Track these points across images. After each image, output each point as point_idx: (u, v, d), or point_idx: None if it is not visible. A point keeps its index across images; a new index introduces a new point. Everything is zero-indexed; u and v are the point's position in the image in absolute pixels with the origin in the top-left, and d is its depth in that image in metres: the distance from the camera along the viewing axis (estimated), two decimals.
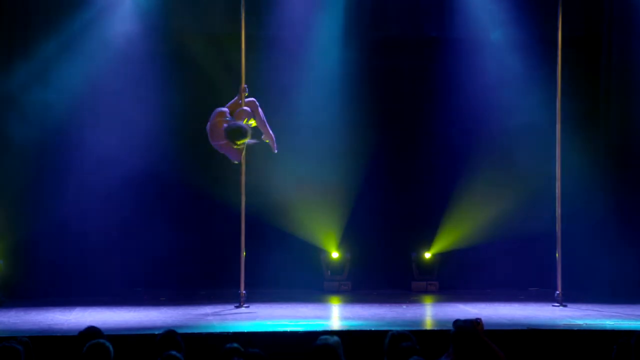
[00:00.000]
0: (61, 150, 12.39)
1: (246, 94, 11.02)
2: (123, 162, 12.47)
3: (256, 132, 11.05)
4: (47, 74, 12.33)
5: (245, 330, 9.04)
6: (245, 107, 10.86)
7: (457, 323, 6.53)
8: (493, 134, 13.26)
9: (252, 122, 10.93)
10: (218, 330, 9.11)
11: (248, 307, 11.07)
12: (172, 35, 12.88)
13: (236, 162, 11.02)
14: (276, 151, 11.14)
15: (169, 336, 6.30)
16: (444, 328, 8.81)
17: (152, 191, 12.94)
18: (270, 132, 11.01)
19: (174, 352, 5.73)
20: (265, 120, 11.01)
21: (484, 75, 13.14)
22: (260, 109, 11.01)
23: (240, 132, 10.63)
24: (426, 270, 13.49)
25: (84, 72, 12.29)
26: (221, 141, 10.73)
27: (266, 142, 11.09)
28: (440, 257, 13.55)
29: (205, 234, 13.33)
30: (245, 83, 11.11)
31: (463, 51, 13.21)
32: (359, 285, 13.36)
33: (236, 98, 11.02)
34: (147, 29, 12.61)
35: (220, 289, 12.53)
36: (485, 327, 6.72)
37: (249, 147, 11.08)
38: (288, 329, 9.11)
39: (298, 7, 12.93)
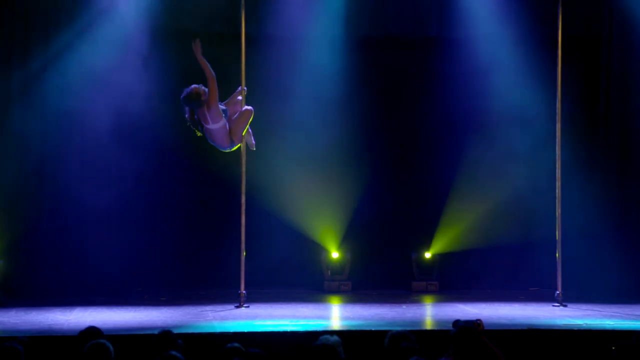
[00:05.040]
0: (61, 150, 12.36)
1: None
2: (123, 162, 12.46)
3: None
4: (48, 73, 12.32)
5: (245, 330, 9.05)
6: (248, 107, 10.71)
7: (458, 323, 6.54)
8: (493, 135, 13.26)
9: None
10: (218, 330, 9.11)
11: (248, 307, 11.08)
12: (172, 35, 12.87)
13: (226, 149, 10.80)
14: (254, 149, 11.02)
15: (165, 336, 6.30)
16: (444, 328, 8.81)
17: (152, 191, 12.95)
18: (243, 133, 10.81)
19: (174, 352, 5.73)
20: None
21: (484, 76, 13.14)
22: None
23: (194, 92, 10.22)
24: (426, 270, 13.49)
25: (84, 71, 12.28)
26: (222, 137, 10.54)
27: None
28: (440, 257, 13.56)
29: (205, 233, 13.34)
30: (245, 83, 11.08)
31: (463, 51, 13.21)
32: (359, 285, 13.37)
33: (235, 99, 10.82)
34: (147, 29, 12.58)
35: (220, 289, 12.53)
36: (485, 327, 6.72)
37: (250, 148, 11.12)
38: (288, 329, 9.12)
39: (298, 7, 12.93)
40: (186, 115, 10.39)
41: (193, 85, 10.26)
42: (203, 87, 10.27)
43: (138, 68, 12.46)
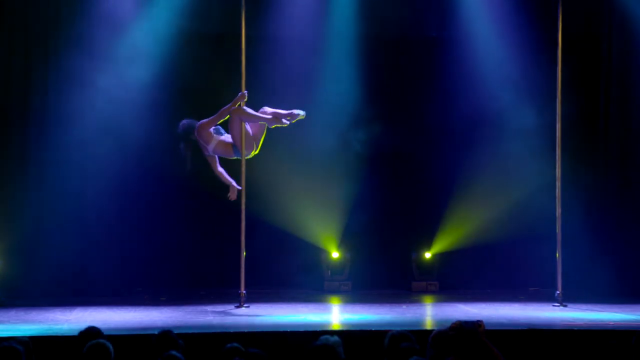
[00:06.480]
0: (61, 150, 12.36)
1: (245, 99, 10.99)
2: (123, 162, 12.46)
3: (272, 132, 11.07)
4: (49, 74, 12.31)
5: (245, 330, 9.05)
6: (241, 107, 10.83)
7: (458, 324, 6.52)
8: (493, 134, 13.25)
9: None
10: (218, 330, 9.11)
11: (248, 307, 11.07)
12: (172, 35, 12.86)
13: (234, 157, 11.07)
14: (288, 123, 11.01)
15: (165, 336, 6.29)
16: (444, 328, 8.79)
17: (152, 191, 12.94)
18: (269, 116, 10.89)
19: (174, 352, 5.72)
20: (257, 113, 10.93)
21: (484, 76, 13.14)
22: (246, 108, 10.95)
23: (189, 127, 10.93)
24: (426, 270, 13.49)
25: (83, 74, 12.26)
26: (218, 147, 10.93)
27: (283, 126, 11.02)
28: (440, 257, 13.55)
29: (205, 233, 13.34)
30: (245, 83, 11.08)
31: (463, 51, 13.20)
32: (359, 285, 13.36)
33: (229, 105, 10.93)
34: (148, 30, 12.57)
35: (220, 289, 12.53)
36: (486, 327, 6.71)
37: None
38: (288, 329, 9.11)
39: (298, 8, 12.93)
40: (181, 147, 11.10)
41: (184, 122, 11.01)
42: (193, 127, 10.88)
43: (137, 70, 12.46)
